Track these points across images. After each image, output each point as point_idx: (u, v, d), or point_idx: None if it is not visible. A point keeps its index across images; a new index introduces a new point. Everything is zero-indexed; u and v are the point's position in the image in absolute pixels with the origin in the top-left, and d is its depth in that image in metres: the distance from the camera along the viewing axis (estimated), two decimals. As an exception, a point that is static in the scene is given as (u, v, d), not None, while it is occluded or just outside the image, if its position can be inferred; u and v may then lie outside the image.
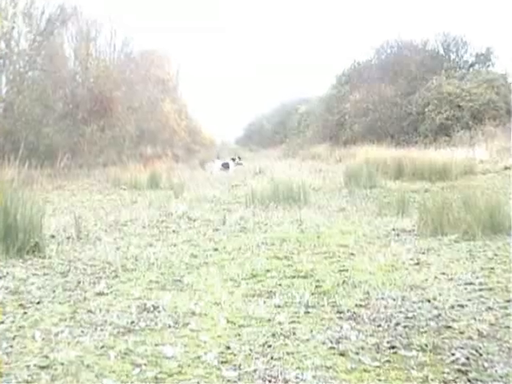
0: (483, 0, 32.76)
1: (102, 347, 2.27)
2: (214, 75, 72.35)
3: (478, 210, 4.58)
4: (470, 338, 2.35)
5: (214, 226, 5.34)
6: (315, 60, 61.16)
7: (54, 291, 3.06)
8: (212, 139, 38.46)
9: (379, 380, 1.99)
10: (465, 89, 17.84)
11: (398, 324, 2.52)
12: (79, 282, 3.24)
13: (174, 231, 5.12)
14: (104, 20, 18.53)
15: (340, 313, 2.69)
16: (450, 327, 2.47)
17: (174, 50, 45.52)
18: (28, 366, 2.07)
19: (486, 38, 37.86)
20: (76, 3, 15.59)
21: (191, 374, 2.03)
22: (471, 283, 3.15)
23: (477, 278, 3.26)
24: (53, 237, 4.62)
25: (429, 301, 2.84)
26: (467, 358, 2.14)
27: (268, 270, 3.54)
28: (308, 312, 2.71)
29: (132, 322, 2.55)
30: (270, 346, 2.27)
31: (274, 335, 2.39)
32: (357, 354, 2.20)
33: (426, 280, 3.25)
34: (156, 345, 2.30)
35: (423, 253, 4.00)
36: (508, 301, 2.80)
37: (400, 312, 2.68)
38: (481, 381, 1.98)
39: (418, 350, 2.23)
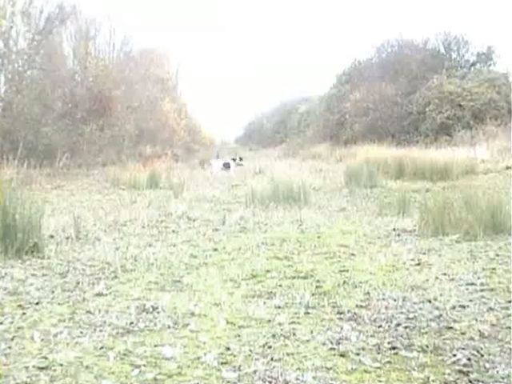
0: (484, -1, 32.75)
1: (101, 348, 2.26)
2: (214, 74, 72.53)
3: (480, 210, 4.57)
4: (472, 338, 2.34)
5: (213, 226, 5.32)
6: (315, 59, 61.32)
7: (52, 292, 3.05)
8: (212, 138, 38.52)
9: (380, 381, 1.98)
10: (466, 88, 17.83)
11: (398, 325, 2.51)
12: (78, 283, 3.23)
13: (173, 231, 5.11)
14: (103, 19, 18.59)
15: (340, 313, 2.68)
16: (451, 328, 2.46)
17: (173, 49, 45.61)
18: (27, 367, 2.06)
19: (487, 36, 37.98)
20: (75, 2, 15.63)
21: (191, 375, 2.02)
22: (472, 284, 3.14)
23: (478, 278, 3.25)
24: (52, 237, 4.60)
25: (430, 301, 2.83)
26: (468, 359, 2.13)
27: (268, 271, 3.53)
28: (308, 313, 2.70)
29: (131, 323, 2.54)
30: (270, 347, 2.26)
31: (274, 336, 2.38)
32: (357, 354, 2.19)
33: (427, 280, 3.23)
34: (155, 346, 2.28)
35: (424, 253, 3.99)
36: (509, 301, 2.79)
37: (401, 312, 2.67)
38: (482, 382, 1.97)
39: (418, 351, 2.22)
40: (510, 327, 2.44)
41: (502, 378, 1.98)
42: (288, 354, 2.18)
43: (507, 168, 10.67)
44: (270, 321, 2.57)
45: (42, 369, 2.05)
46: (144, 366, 2.09)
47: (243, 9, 68.37)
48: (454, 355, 2.16)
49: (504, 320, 2.54)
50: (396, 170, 10.89)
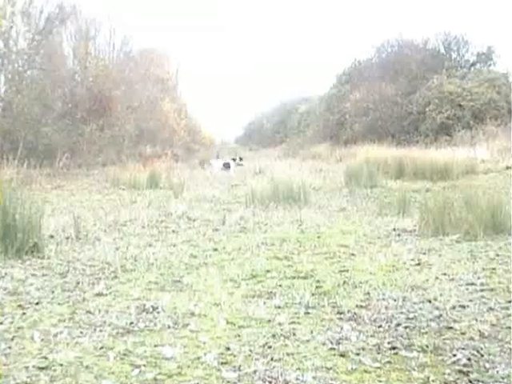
0: (484, -1, 32.76)
1: (101, 348, 2.26)
2: (214, 74, 72.55)
3: (480, 210, 4.57)
4: (472, 338, 2.34)
5: (213, 226, 5.32)
6: (315, 59, 61.33)
7: (52, 292, 3.04)
8: (212, 138, 38.53)
9: (380, 381, 1.98)
10: (466, 88, 17.83)
11: (398, 325, 2.51)
12: (78, 283, 3.23)
13: (173, 231, 5.11)
14: (103, 19, 18.59)
15: (340, 313, 2.68)
16: (451, 328, 2.46)
17: (173, 49, 45.62)
18: (27, 367, 2.06)
19: (487, 36, 37.97)
20: (75, 2, 15.63)
21: (191, 375, 2.02)
22: (472, 284, 3.14)
23: (478, 278, 3.25)
24: (52, 237, 4.60)
25: (430, 301, 2.83)
26: (468, 359, 2.13)
27: (268, 271, 3.53)
28: (308, 313, 2.70)
29: (131, 323, 2.54)
30: (270, 347, 2.26)
31: (274, 336, 2.38)
32: (357, 354, 2.19)
33: (427, 280, 3.23)
34: (155, 346, 2.28)
35: (424, 253, 3.99)
36: (509, 301, 2.79)
37: (401, 313, 2.67)
38: (482, 382, 1.97)
39: (418, 351, 2.22)
40: (510, 327, 2.44)
41: (502, 378, 1.98)
42: (288, 354, 2.18)
43: (507, 168, 10.67)
44: (269, 321, 2.57)
45: (42, 369, 2.06)
46: (144, 366, 2.09)
47: (243, 9, 68.44)
48: (454, 355, 2.16)
49: (504, 320, 2.54)
50: (396, 170, 10.89)
